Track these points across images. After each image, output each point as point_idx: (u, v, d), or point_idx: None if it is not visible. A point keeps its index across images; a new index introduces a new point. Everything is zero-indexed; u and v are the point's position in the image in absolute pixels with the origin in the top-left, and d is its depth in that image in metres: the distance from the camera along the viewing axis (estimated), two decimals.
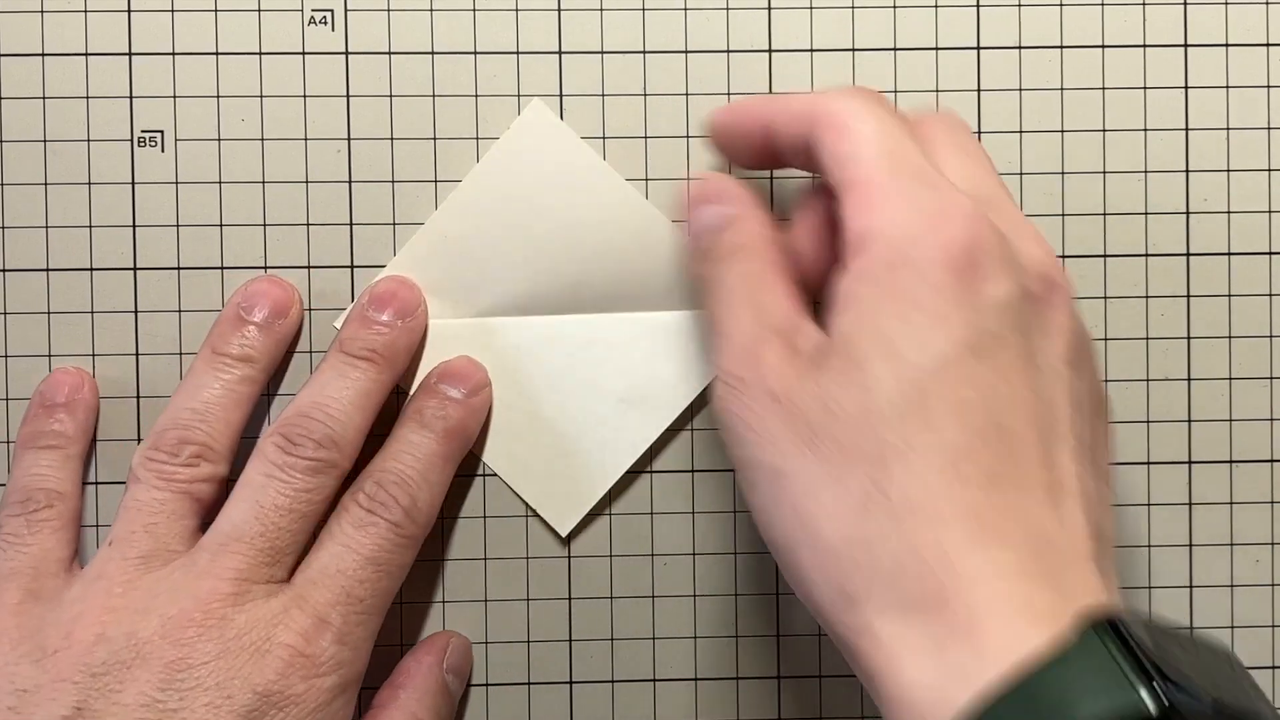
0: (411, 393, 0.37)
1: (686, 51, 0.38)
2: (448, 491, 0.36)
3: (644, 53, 0.38)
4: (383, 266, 0.37)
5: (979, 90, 0.38)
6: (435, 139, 0.37)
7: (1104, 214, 0.38)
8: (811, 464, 0.28)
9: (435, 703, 0.36)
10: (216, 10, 0.37)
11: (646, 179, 0.38)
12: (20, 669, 0.32)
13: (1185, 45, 0.38)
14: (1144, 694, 0.24)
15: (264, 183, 0.37)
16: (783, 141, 0.32)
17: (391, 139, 0.37)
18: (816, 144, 0.30)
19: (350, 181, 0.37)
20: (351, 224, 0.37)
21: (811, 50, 0.38)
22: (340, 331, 0.36)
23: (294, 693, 0.32)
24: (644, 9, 0.38)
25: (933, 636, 0.26)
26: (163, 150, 0.37)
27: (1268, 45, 0.38)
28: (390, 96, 0.37)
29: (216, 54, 0.37)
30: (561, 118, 0.37)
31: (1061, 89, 0.38)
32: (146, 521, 0.34)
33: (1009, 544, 0.26)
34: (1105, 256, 0.38)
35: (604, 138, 0.37)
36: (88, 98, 0.37)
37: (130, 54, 0.37)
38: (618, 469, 0.38)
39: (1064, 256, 0.38)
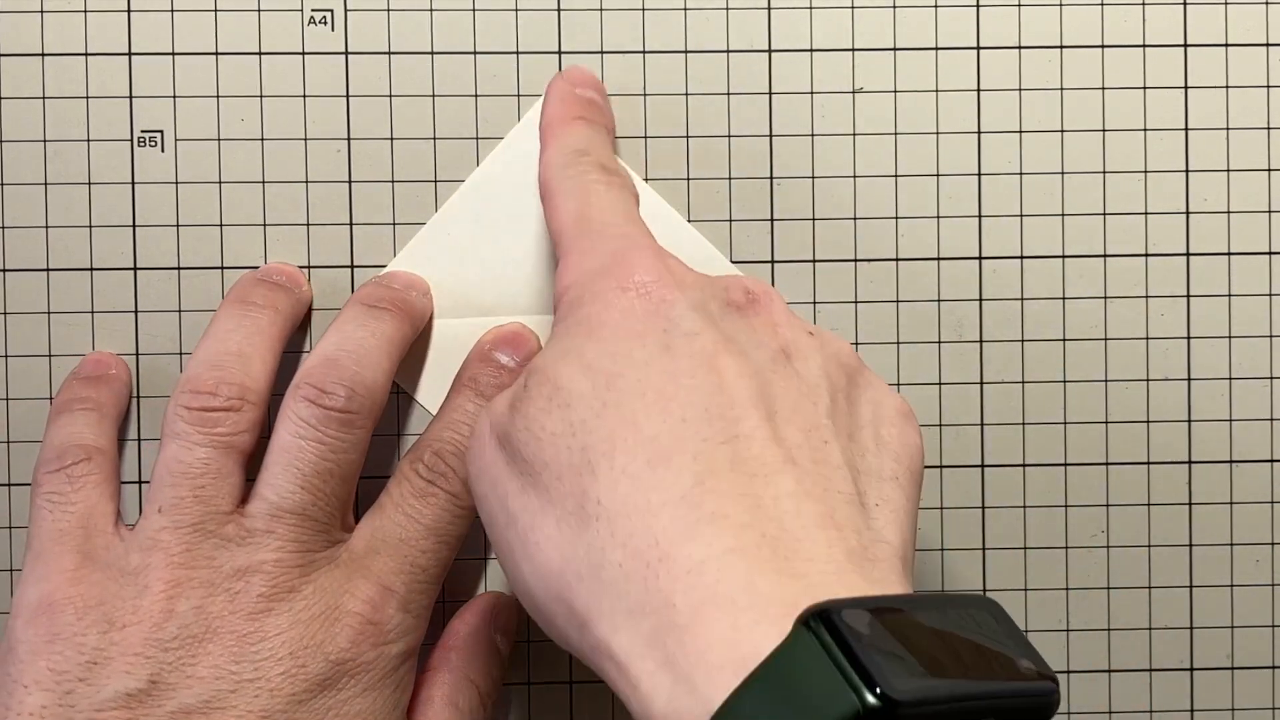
0: (464, 360, 0.37)
1: (686, 51, 0.38)
2: None
3: (644, 53, 0.38)
4: (383, 266, 0.37)
5: (979, 90, 0.38)
6: (435, 139, 0.37)
7: (1104, 214, 0.38)
8: (532, 498, 0.28)
9: (487, 664, 0.36)
10: (216, 10, 0.37)
11: (646, 179, 0.38)
12: (88, 639, 0.31)
13: (1185, 45, 0.38)
14: (859, 693, 0.22)
15: (264, 183, 0.37)
16: None
17: (391, 139, 0.37)
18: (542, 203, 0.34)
19: (350, 181, 0.37)
20: (351, 224, 0.37)
21: (811, 50, 0.38)
22: (355, 293, 0.36)
23: (365, 660, 0.32)
24: (644, 9, 0.38)
25: (661, 644, 0.25)
26: (163, 150, 0.37)
27: (1267, 45, 0.38)
28: (390, 96, 0.37)
29: (216, 54, 0.37)
30: None
31: (1061, 89, 0.38)
32: (194, 485, 0.33)
33: (725, 525, 0.25)
34: (1105, 256, 0.38)
35: None
36: (88, 98, 0.37)
37: (130, 54, 0.37)
38: None
39: (1064, 257, 0.38)
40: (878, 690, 0.22)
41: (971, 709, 0.23)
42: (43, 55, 0.37)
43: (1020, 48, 0.38)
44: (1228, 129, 0.38)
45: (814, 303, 0.38)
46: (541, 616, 0.28)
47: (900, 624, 0.24)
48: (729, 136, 0.38)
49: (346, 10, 0.37)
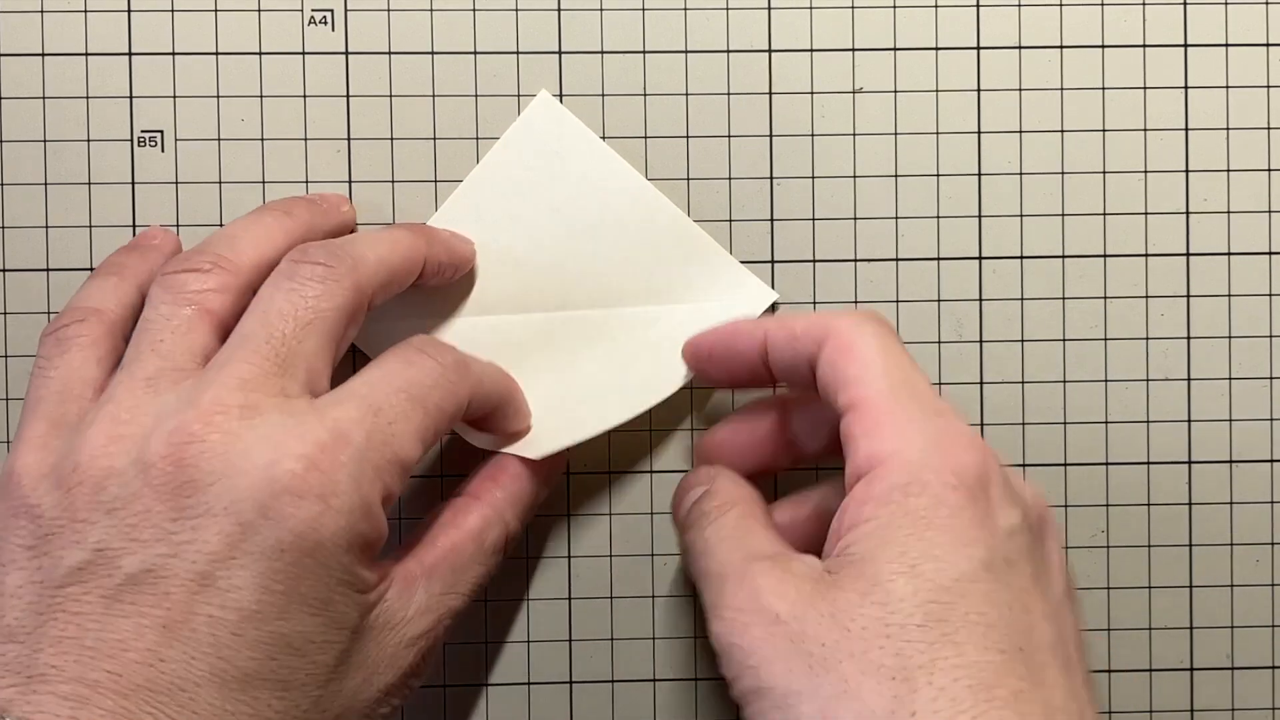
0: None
1: (686, 51, 0.38)
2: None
3: (644, 53, 0.38)
4: None
5: (979, 90, 0.38)
6: (435, 139, 0.37)
7: (1104, 214, 0.38)
8: (826, 682, 0.27)
9: (524, 511, 0.35)
10: (216, 10, 0.37)
11: (646, 179, 0.38)
12: (42, 508, 0.29)
13: (1185, 45, 0.38)
14: None
15: (264, 183, 0.37)
16: (780, 359, 0.33)
17: (391, 139, 0.37)
18: (823, 363, 0.31)
19: (350, 181, 0.37)
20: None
21: (811, 50, 0.38)
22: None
23: (309, 516, 0.29)
24: (644, 9, 0.38)
25: None
26: (163, 150, 0.37)
27: (1268, 45, 0.38)
28: (390, 96, 0.37)
29: (216, 54, 0.37)
30: None
31: (1061, 89, 0.38)
32: (152, 339, 0.31)
33: None
34: (1105, 256, 0.38)
35: (604, 138, 0.37)
36: (88, 98, 0.37)
37: (130, 54, 0.37)
38: (607, 421, 0.37)
39: (1064, 256, 0.38)
40: None
41: None
42: (43, 55, 0.37)
43: (1020, 48, 0.38)
44: (1228, 129, 0.38)
45: (814, 302, 0.38)
46: None
47: None
48: (729, 136, 0.38)
49: (346, 10, 0.37)
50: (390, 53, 0.37)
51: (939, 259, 0.38)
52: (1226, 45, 0.38)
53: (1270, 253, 0.38)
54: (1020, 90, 0.38)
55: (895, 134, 0.38)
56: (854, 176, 0.38)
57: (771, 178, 0.38)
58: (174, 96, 0.37)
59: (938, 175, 0.38)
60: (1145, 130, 0.38)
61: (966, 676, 0.27)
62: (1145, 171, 0.38)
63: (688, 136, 0.38)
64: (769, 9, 0.38)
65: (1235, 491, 0.38)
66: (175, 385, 0.30)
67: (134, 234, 0.37)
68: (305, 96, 0.37)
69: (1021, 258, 0.38)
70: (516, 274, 0.37)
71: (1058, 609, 0.30)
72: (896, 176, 0.38)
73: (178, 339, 0.31)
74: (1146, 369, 0.38)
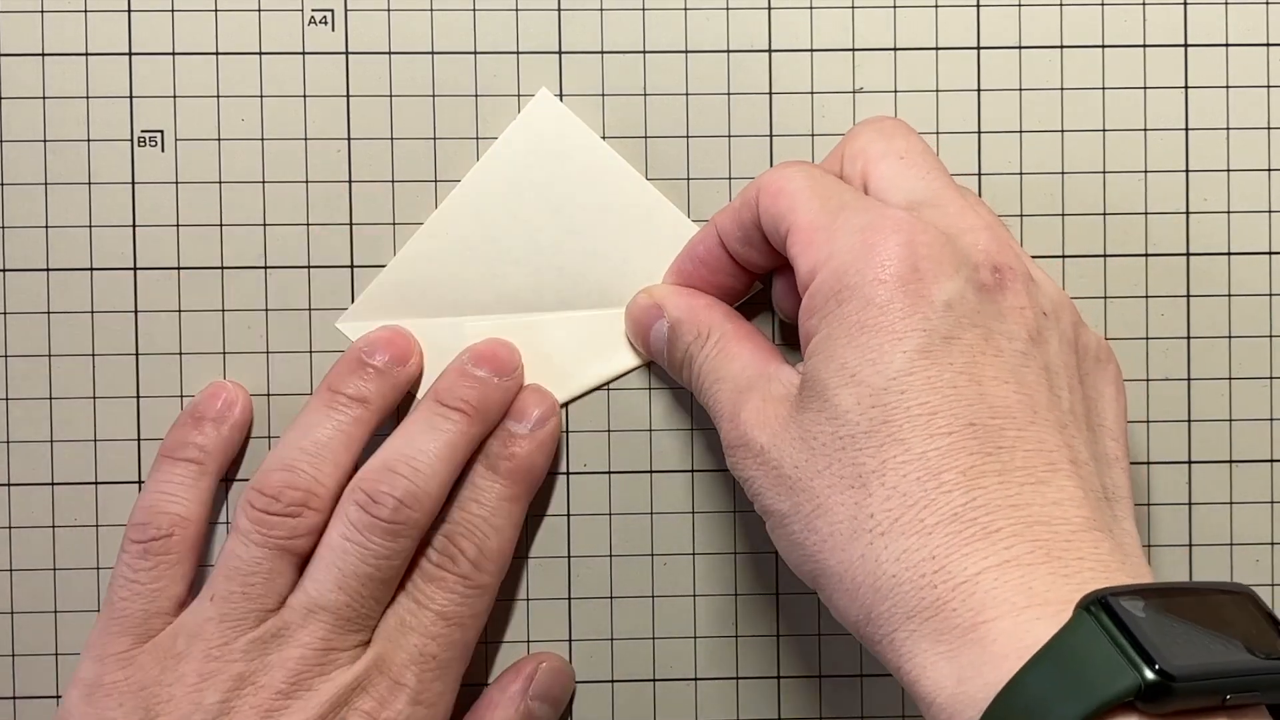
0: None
1: (686, 51, 0.38)
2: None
3: (644, 53, 0.38)
4: (383, 266, 0.37)
5: (979, 90, 0.38)
6: (435, 139, 0.37)
7: (1104, 214, 0.38)
8: (803, 499, 0.30)
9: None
10: (216, 10, 0.37)
11: (646, 179, 0.38)
12: None
13: (1185, 45, 0.38)
14: (1138, 669, 0.25)
15: (264, 183, 0.37)
16: (734, 238, 0.34)
17: (391, 139, 0.37)
18: (762, 215, 0.33)
19: (350, 181, 0.37)
20: (351, 224, 0.37)
21: (811, 50, 0.38)
22: (436, 383, 0.36)
23: None
24: (644, 9, 0.38)
25: (944, 642, 0.27)
26: (163, 150, 0.37)
27: (1268, 45, 0.38)
28: (390, 96, 0.37)
29: (216, 54, 0.37)
30: None
31: (1061, 89, 0.38)
32: (244, 582, 0.34)
33: (998, 538, 0.27)
34: (1105, 256, 0.38)
35: (604, 137, 0.37)
36: (88, 98, 0.37)
37: (130, 54, 0.37)
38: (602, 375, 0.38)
39: (1064, 256, 0.38)
40: (1156, 667, 0.25)
41: (1240, 685, 0.25)
42: (43, 55, 0.37)
43: (1020, 48, 0.38)
44: (1228, 129, 0.38)
45: None
46: (824, 600, 0.30)
47: (1170, 608, 0.26)
48: (729, 136, 0.38)
49: (346, 10, 0.37)
50: (390, 53, 0.37)
51: None
52: (1226, 45, 0.38)
53: (1270, 253, 0.38)
54: (1020, 90, 0.38)
55: None
56: None
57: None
58: (174, 96, 0.37)
59: None
60: (1145, 130, 0.38)
61: (915, 470, 0.28)
62: (1145, 171, 0.38)
63: (688, 136, 0.38)
64: (769, 9, 0.38)
65: (1235, 491, 0.38)
66: (261, 624, 0.34)
67: (134, 234, 0.37)
68: (305, 96, 0.37)
69: None
70: (517, 273, 0.37)
71: (1017, 361, 0.29)
72: None
73: (268, 583, 0.34)
74: (1146, 369, 0.38)
